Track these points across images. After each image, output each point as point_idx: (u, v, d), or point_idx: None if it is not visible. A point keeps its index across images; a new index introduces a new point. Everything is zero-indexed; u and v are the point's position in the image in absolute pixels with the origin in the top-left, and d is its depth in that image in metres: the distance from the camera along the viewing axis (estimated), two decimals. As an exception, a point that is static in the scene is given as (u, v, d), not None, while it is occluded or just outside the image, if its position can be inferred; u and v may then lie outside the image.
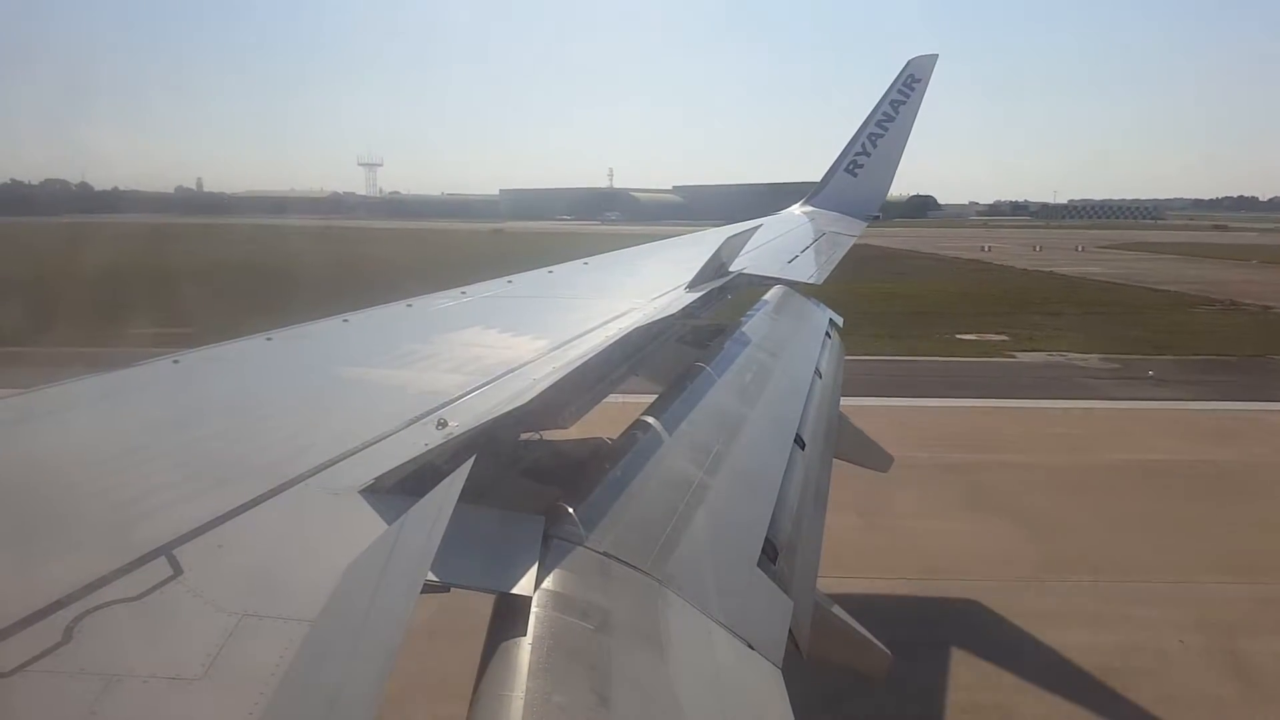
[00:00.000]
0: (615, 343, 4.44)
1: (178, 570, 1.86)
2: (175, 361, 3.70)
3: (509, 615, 1.94)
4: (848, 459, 6.48)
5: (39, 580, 1.78)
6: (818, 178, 15.68)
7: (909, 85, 14.56)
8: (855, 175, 14.96)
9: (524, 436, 3.73)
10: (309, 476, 2.41)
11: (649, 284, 6.44)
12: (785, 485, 3.42)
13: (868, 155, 14.83)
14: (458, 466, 2.34)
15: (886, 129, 14.68)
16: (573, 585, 2.12)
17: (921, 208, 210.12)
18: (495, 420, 3.02)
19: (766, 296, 7.11)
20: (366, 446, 2.66)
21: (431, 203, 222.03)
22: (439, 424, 2.87)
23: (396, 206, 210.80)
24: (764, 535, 2.90)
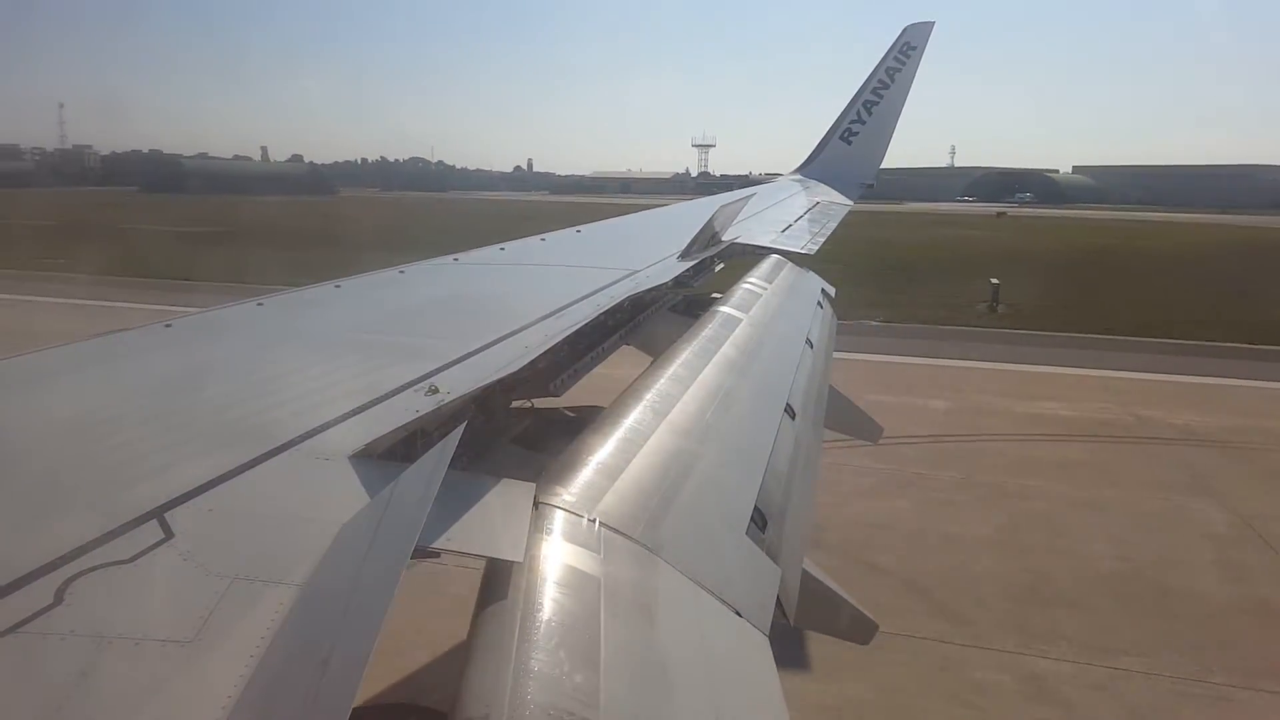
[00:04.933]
0: (607, 311, 4.43)
1: (169, 533, 1.87)
2: (167, 326, 3.68)
3: (499, 581, 1.95)
4: (838, 429, 6.52)
5: (30, 542, 1.79)
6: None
7: (905, 53, 14.42)
8: (850, 143, 14.87)
9: (515, 404, 3.73)
10: (300, 441, 2.41)
11: (641, 253, 6.42)
12: (775, 454, 3.44)
13: (863, 123, 14.73)
14: (449, 433, 2.35)
15: (882, 96, 14.57)
16: (562, 552, 2.13)
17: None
18: (486, 387, 3.02)
19: (759, 266, 7.09)
20: (358, 412, 2.66)
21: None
22: (430, 390, 2.87)
23: (744, 185, 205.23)
24: (753, 504, 2.92)
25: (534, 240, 7.38)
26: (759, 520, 2.86)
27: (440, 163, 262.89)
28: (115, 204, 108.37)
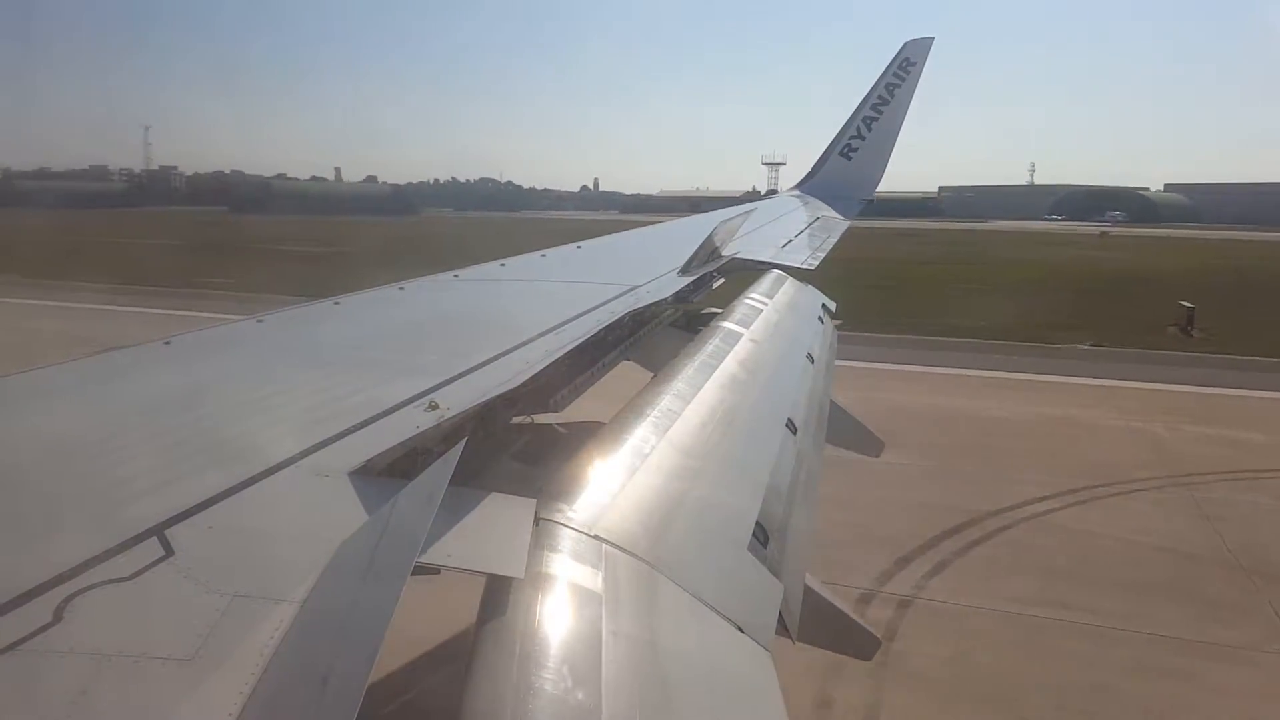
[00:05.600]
0: (607, 327, 4.44)
1: (169, 551, 1.86)
2: (167, 343, 3.69)
3: (500, 598, 1.94)
4: (839, 444, 6.51)
5: (30, 559, 1.78)
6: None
7: (904, 68, 14.49)
8: (850, 159, 14.91)
9: (515, 420, 3.73)
10: (300, 459, 2.41)
11: (642, 268, 6.43)
12: (777, 470, 3.44)
13: (862, 139, 14.77)
14: (449, 449, 2.34)
15: (881, 112, 14.62)
16: (564, 568, 2.12)
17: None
18: (487, 403, 3.02)
19: (759, 281, 7.10)
20: (358, 428, 2.66)
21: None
22: (430, 406, 2.87)
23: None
24: (755, 519, 2.92)
25: (535, 256, 7.40)
26: (761, 535, 2.85)
27: (509, 182, 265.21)
28: (218, 224, 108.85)
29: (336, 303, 4.85)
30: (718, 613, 2.31)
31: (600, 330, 4.31)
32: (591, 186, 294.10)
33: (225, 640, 1.61)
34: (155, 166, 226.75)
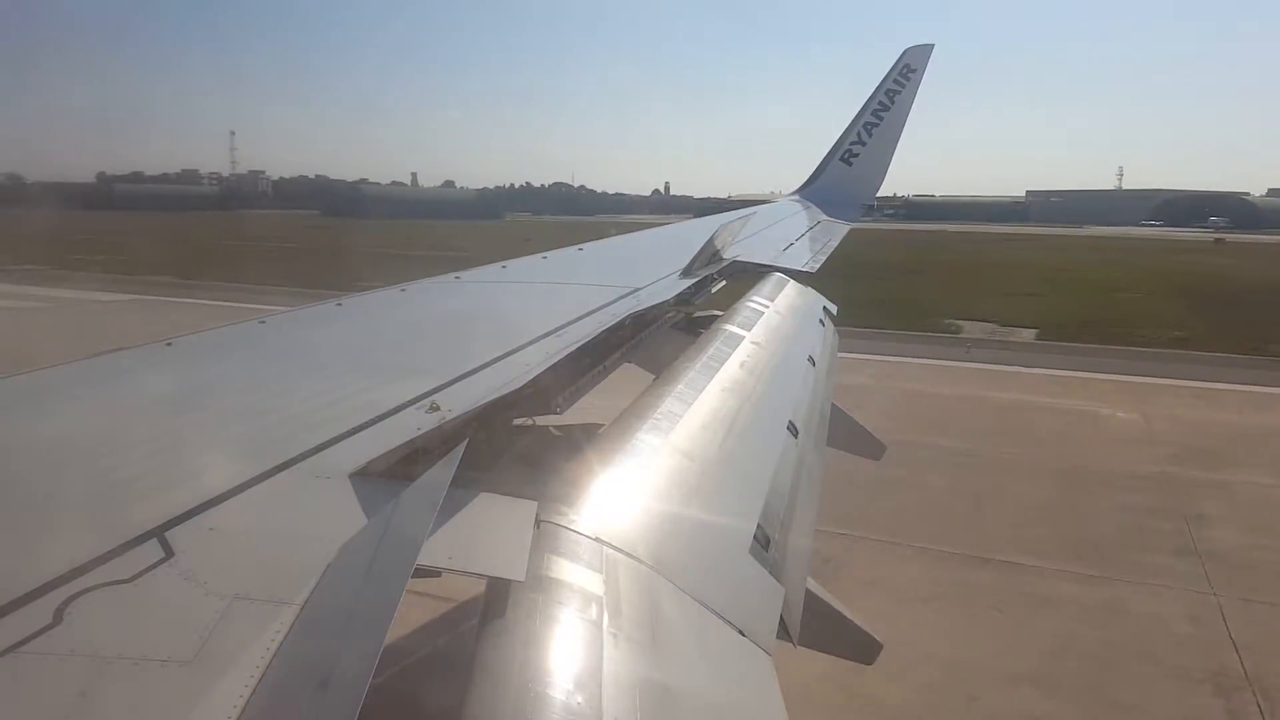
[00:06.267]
0: (609, 329, 4.43)
1: (169, 553, 1.86)
2: (168, 345, 3.69)
3: (501, 600, 1.94)
4: (840, 447, 6.50)
5: (30, 561, 1.78)
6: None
7: (905, 75, 14.51)
8: (850, 165, 14.92)
9: (517, 422, 3.72)
10: (301, 460, 2.40)
11: (643, 271, 6.42)
12: (778, 473, 3.43)
13: (863, 145, 14.79)
14: (450, 451, 2.34)
15: (882, 118, 14.64)
16: (564, 571, 2.12)
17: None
18: (488, 405, 3.02)
19: (761, 284, 7.10)
20: (359, 430, 2.66)
21: (945, 205, 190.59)
22: (431, 408, 2.86)
23: (915, 209, 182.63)
24: (756, 522, 2.91)
25: (536, 258, 7.39)
26: (762, 539, 2.84)
27: (582, 187, 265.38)
28: (319, 227, 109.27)
29: (338, 304, 4.85)
30: (719, 616, 2.30)
31: (602, 332, 4.31)
32: (663, 190, 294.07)
33: (226, 642, 1.60)
34: (244, 171, 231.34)
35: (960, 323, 32.26)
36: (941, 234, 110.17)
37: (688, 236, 8.48)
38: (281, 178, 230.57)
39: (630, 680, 1.80)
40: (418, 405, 2.91)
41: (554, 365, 3.59)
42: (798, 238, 10.64)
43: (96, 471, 2.33)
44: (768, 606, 2.55)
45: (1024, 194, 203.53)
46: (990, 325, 32.31)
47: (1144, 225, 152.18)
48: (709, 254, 6.68)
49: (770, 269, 7.98)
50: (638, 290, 5.50)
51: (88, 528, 1.95)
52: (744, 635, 2.30)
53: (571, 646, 1.84)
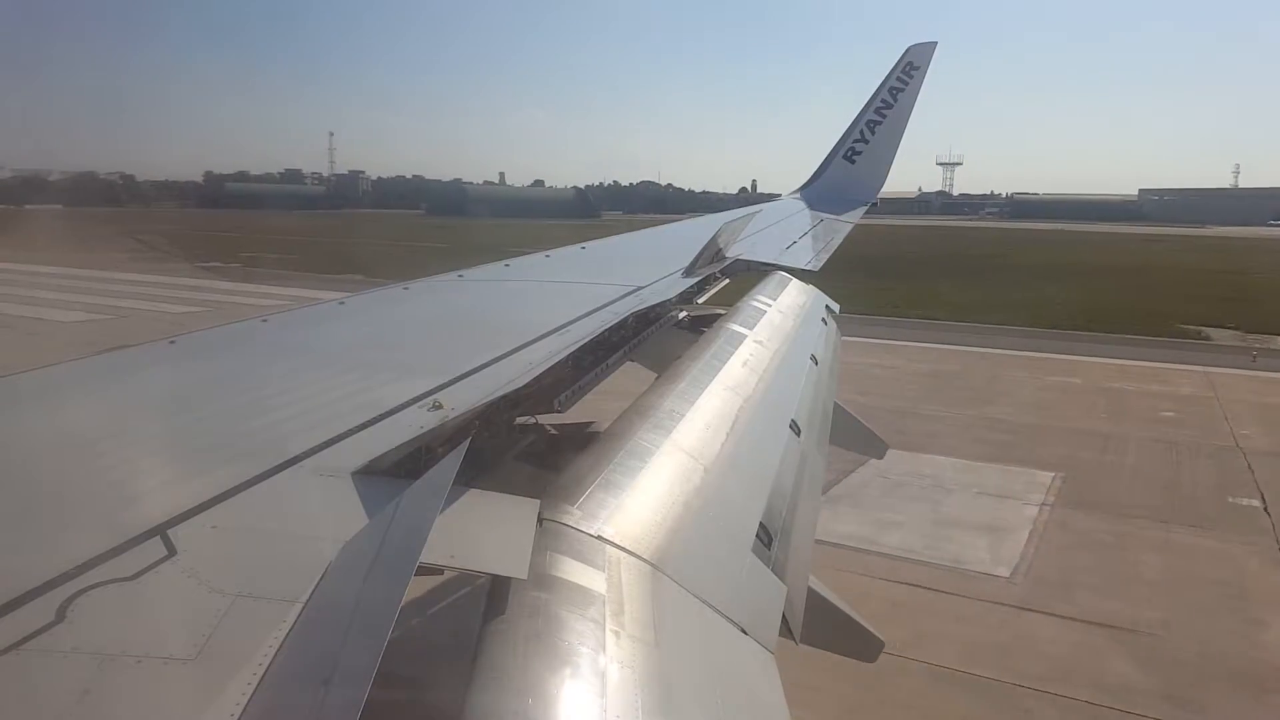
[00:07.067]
0: (611, 327, 4.43)
1: (172, 551, 1.86)
2: (171, 343, 3.69)
3: (503, 598, 1.94)
4: (842, 445, 6.49)
5: (33, 559, 1.78)
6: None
7: (908, 73, 14.48)
8: (853, 162, 14.90)
9: (519, 420, 3.73)
10: (304, 458, 2.41)
11: (646, 270, 6.42)
12: (780, 471, 3.43)
13: (866, 142, 14.77)
14: (453, 449, 2.34)
15: (885, 116, 14.61)
16: (566, 569, 2.12)
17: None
18: (490, 403, 3.02)
19: (763, 283, 7.09)
20: (362, 428, 2.66)
21: (1051, 203, 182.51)
22: (434, 406, 2.87)
23: (1019, 207, 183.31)
24: (759, 520, 2.91)
25: (539, 257, 7.40)
26: (764, 537, 2.84)
27: (670, 185, 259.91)
28: (437, 226, 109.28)
29: (341, 303, 4.85)
30: (721, 614, 2.30)
31: (604, 331, 4.31)
32: (749, 188, 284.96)
33: (228, 640, 1.61)
34: (344, 171, 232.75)
35: (1203, 329, 30.74)
36: (1067, 234, 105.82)
37: (691, 235, 8.47)
38: (380, 177, 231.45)
39: (633, 678, 1.80)
40: (420, 404, 2.91)
41: (556, 364, 3.59)
42: (800, 236, 10.63)
43: (99, 469, 2.33)
44: (770, 605, 2.55)
45: (1135, 192, 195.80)
46: (1232, 331, 30.77)
47: (1271, 225, 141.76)
48: (711, 253, 6.67)
49: (773, 267, 7.98)
50: (640, 289, 5.50)
51: (91, 525, 1.95)
52: (746, 634, 2.30)
53: (574, 645, 1.84)
